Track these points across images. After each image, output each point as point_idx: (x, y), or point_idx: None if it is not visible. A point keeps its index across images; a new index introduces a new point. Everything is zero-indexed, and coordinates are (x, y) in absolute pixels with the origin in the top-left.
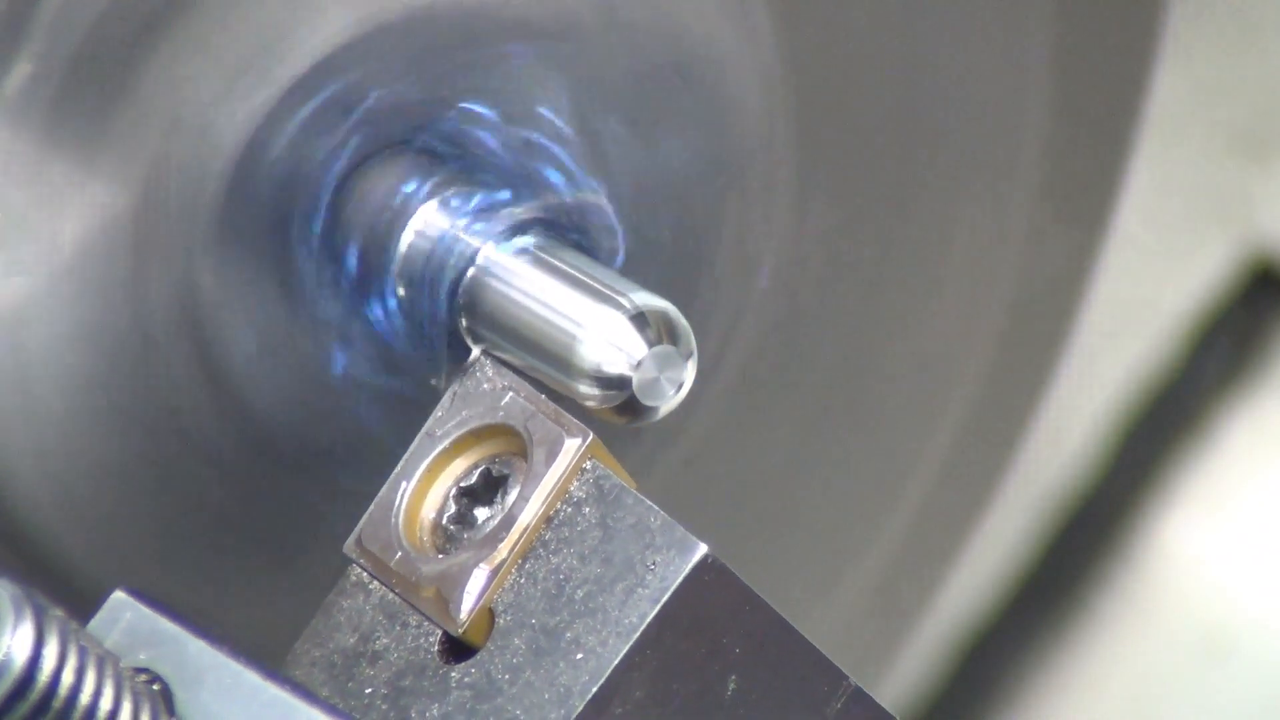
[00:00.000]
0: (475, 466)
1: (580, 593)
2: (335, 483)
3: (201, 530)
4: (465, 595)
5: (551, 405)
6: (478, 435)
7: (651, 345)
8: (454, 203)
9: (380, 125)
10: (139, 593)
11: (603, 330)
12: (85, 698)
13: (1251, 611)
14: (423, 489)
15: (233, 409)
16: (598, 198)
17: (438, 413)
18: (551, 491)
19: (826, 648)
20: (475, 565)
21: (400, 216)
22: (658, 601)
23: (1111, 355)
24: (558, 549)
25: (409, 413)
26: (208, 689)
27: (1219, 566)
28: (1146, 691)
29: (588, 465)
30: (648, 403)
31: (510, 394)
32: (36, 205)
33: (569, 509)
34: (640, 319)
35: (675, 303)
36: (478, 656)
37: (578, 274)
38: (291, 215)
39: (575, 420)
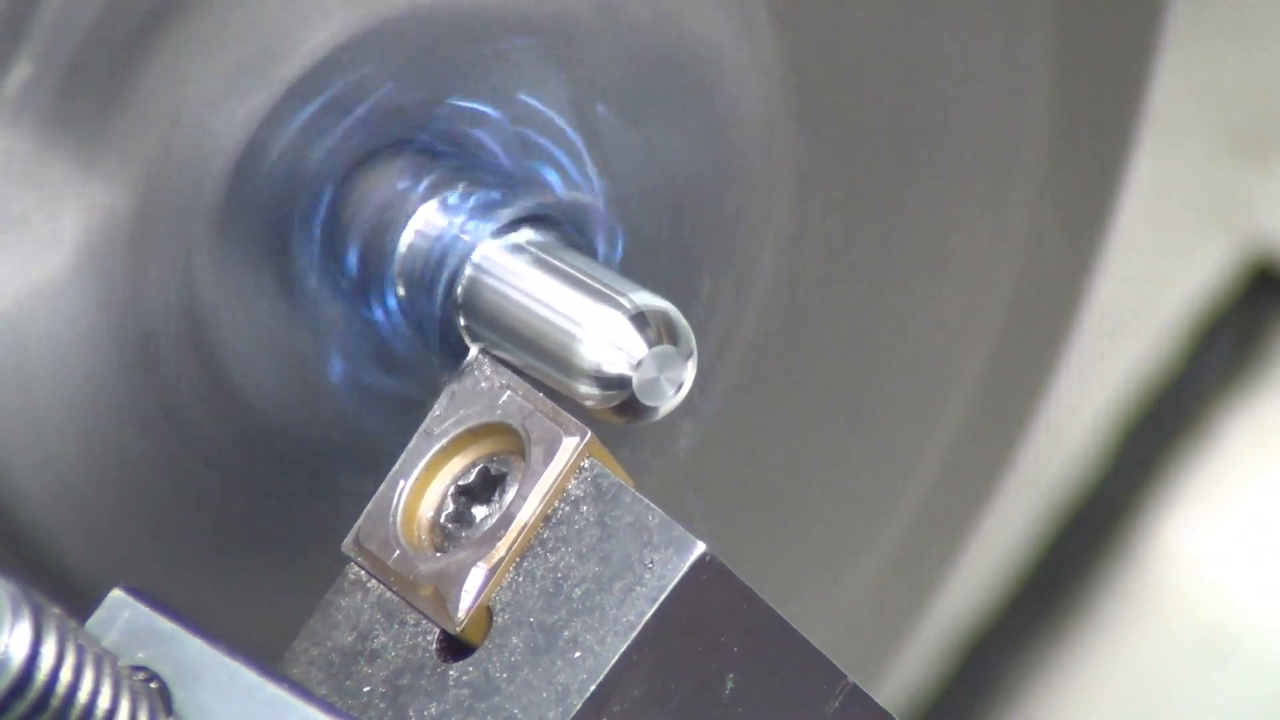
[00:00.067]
0: (473, 465)
1: (578, 591)
2: (334, 482)
3: (200, 529)
4: (463, 594)
5: (549, 404)
6: (475, 434)
7: (651, 345)
8: (454, 202)
9: (380, 125)
10: (137, 591)
11: (603, 330)
12: (83, 696)
13: (1251, 611)
14: (421, 487)
15: (232, 408)
16: (594, 198)
17: (435, 411)
18: (549, 490)
19: (826, 647)
20: (473, 564)
21: (400, 216)
22: (655, 600)
23: (1111, 355)
24: (556, 547)
25: (409, 412)
26: (206, 687)
27: (1219, 566)
28: (1146, 691)
29: (585, 464)
30: (648, 403)
31: (508, 392)
32: (36, 205)
33: (567, 507)
34: (640, 319)
35: (675, 303)
36: (476, 655)
37: (577, 274)
38: (291, 215)
39: (573, 419)
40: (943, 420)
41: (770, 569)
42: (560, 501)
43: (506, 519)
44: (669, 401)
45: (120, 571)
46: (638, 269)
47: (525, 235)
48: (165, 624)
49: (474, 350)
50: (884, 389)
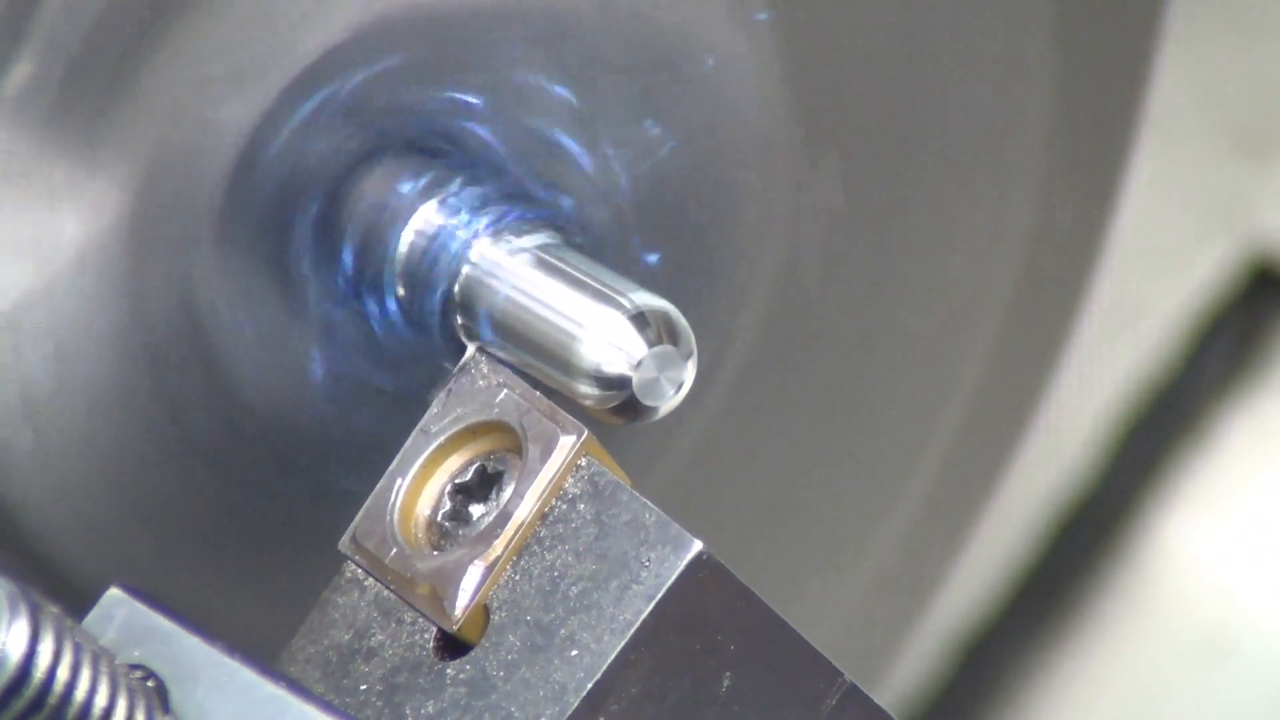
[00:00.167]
0: (470, 463)
1: (575, 589)
2: (333, 481)
3: (198, 528)
4: (460, 592)
5: (546, 402)
6: (473, 432)
7: (651, 345)
8: (453, 202)
9: (379, 124)
10: (134, 589)
11: (603, 330)
12: (80, 694)
13: (1251, 611)
14: (418, 486)
15: (231, 407)
16: (594, 198)
17: (433, 409)
18: (546, 488)
19: (826, 646)
20: (470, 562)
21: (399, 216)
22: (653, 598)
23: (1111, 355)
24: (553, 546)
25: (408, 412)
26: (203, 686)
27: (1219, 566)
28: (1146, 691)
29: (583, 462)
30: (647, 403)
31: (505, 391)
32: (36, 205)
33: (564, 506)
34: (640, 319)
35: (675, 303)
36: (473, 653)
37: (577, 274)
38: (291, 215)
39: (570, 417)
40: (943, 420)
41: (770, 569)
42: (557, 500)
43: (503, 517)
44: (669, 401)
45: (118, 570)
46: (637, 268)
47: (525, 235)
48: (162, 622)
49: (471, 348)
50: (884, 389)
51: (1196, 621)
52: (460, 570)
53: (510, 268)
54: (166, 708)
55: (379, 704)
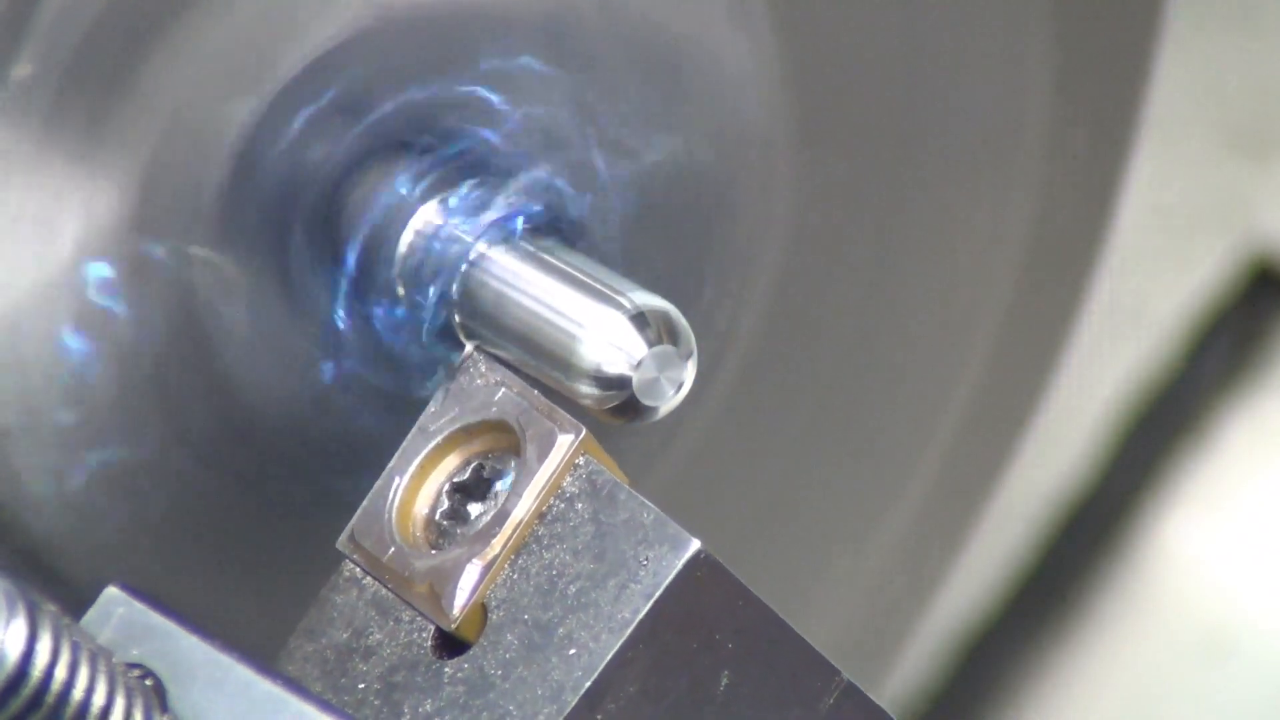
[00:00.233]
0: (468, 462)
1: (573, 588)
2: (332, 481)
3: (196, 527)
4: (458, 590)
5: (545, 401)
6: (471, 431)
7: (651, 345)
8: (453, 202)
9: (378, 124)
10: (131, 588)
11: (603, 330)
12: (78, 693)
13: (1251, 611)
14: (416, 484)
15: (231, 408)
16: (595, 198)
17: (431, 408)
18: (544, 487)
19: (825, 646)
20: (468, 560)
21: (400, 216)
22: (650, 597)
23: (1111, 355)
24: (550, 544)
25: (407, 411)
26: (200, 684)
27: (1219, 566)
28: (1146, 691)
29: (580, 461)
30: (647, 403)
31: (503, 389)
32: (36, 205)
33: (562, 505)
34: (640, 319)
35: (675, 303)
36: (470, 652)
37: (577, 274)
38: (291, 214)
39: (568, 416)
40: (943, 420)
41: (770, 569)
42: (555, 498)
43: (501, 516)
44: (669, 401)
45: (117, 569)
46: (637, 269)
47: (525, 235)
48: (160, 621)
49: (469, 347)
50: (884, 388)
51: (1196, 621)
52: (458, 569)
53: (510, 267)
54: (164, 706)
55: (377, 702)
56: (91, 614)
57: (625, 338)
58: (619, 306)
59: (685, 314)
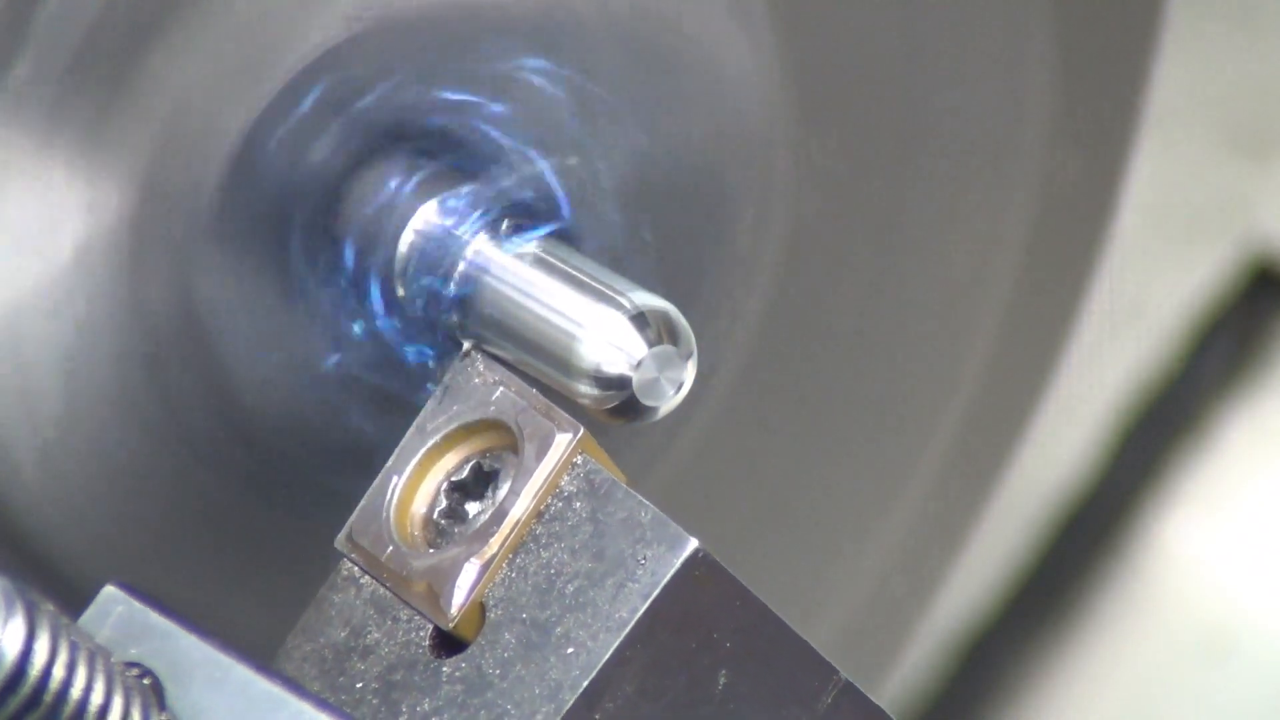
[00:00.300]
0: (466, 461)
1: (571, 587)
2: (330, 480)
3: (196, 527)
4: (456, 589)
5: (543, 400)
6: (469, 430)
7: (651, 345)
8: (453, 202)
9: (378, 124)
10: (130, 587)
11: (603, 330)
12: (76, 692)
13: (1251, 611)
14: (414, 483)
15: (230, 407)
16: (594, 198)
17: (429, 407)
18: (542, 486)
19: (825, 646)
20: (466, 560)
21: (399, 216)
22: (648, 596)
23: (1111, 355)
24: (548, 544)
25: (406, 412)
26: (199, 684)
27: (1219, 566)
28: (1146, 691)
29: (579, 460)
30: (647, 403)
31: (501, 389)
32: (36, 205)
33: (560, 504)
34: (640, 319)
35: (675, 303)
36: (468, 651)
37: (577, 273)
38: (290, 215)
39: (566, 415)
40: (943, 420)
41: (769, 568)
42: (553, 497)
43: (499, 515)
44: (669, 402)
45: (116, 569)
46: (637, 268)
47: (524, 235)
48: (158, 620)
49: (467, 345)
50: (884, 388)
51: (1196, 621)
52: (456, 568)
53: (510, 267)
54: (163, 705)
55: (375, 701)
56: (90, 613)
57: (625, 338)
58: (619, 306)
59: (685, 314)
